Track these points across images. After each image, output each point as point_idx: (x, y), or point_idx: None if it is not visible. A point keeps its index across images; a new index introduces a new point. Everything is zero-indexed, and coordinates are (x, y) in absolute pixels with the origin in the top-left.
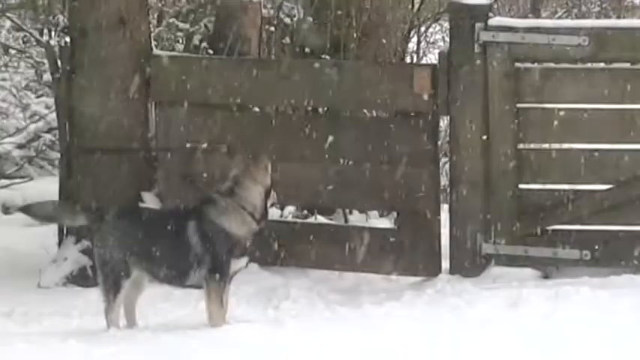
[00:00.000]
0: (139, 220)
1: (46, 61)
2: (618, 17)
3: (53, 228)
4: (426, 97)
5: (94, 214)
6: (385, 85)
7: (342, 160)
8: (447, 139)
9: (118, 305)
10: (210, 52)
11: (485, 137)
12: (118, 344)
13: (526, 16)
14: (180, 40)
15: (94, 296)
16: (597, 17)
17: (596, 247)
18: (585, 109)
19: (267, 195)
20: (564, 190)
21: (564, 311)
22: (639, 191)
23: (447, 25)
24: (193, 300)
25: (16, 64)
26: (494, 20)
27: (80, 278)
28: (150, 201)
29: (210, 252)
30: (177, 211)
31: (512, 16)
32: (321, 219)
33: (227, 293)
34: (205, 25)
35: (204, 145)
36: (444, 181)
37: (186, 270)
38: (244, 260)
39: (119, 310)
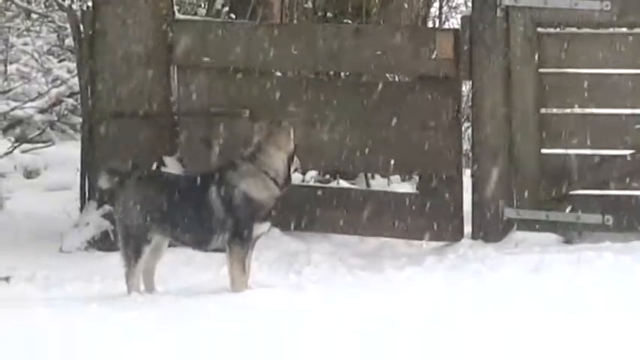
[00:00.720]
0: (161, 185)
1: (68, 25)
2: None
3: (75, 192)
4: (448, 61)
5: (116, 178)
6: (407, 49)
7: (363, 125)
8: (469, 103)
9: (138, 270)
10: (232, 16)
11: (507, 102)
12: (139, 308)
13: None
14: (203, 5)
15: (115, 260)
16: None
17: (619, 212)
18: (608, 74)
19: (289, 160)
20: (587, 155)
21: (586, 276)
22: None
23: None
24: (215, 264)
25: (38, 28)
26: None
27: (102, 243)
28: (172, 165)
29: (232, 216)
30: (199, 176)
31: None
32: (343, 183)
33: (249, 258)
34: None
35: (227, 110)
36: (466, 145)
37: (208, 234)
38: (267, 225)
39: (140, 275)
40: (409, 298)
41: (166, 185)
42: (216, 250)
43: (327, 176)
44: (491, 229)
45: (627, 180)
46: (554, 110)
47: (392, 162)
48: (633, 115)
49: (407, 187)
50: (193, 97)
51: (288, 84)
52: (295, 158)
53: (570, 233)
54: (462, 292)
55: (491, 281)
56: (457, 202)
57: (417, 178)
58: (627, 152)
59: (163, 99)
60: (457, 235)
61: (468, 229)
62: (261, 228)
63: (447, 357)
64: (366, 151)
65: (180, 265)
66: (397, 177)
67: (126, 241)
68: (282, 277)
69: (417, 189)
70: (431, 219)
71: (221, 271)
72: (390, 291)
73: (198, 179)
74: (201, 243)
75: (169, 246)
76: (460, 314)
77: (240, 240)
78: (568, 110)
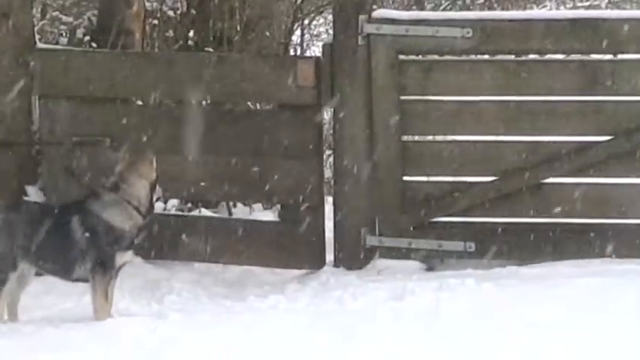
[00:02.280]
0: (25, 214)
1: None
2: (503, 9)
3: None
4: (309, 89)
5: None
6: (268, 77)
7: (225, 152)
8: (331, 131)
9: (3, 299)
10: (94, 45)
11: (368, 130)
12: (3, 337)
13: (410, 9)
14: (64, 34)
15: None
16: (482, 9)
17: (481, 239)
18: (469, 101)
19: (152, 189)
20: (448, 182)
21: (449, 303)
22: (523, 183)
23: (330, 17)
24: (77, 293)
25: None
26: (378, 12)
27: None
28: (34, 195)
29: (95, 246)
30: (62, 205)
31: (396, 8)
32: (205, 212)
33: (113, 287)
34: (89, 19)
35: (88, 139)
36: (328, 173)
37: (71, 263)
38: (130, 254)
39: (4, 304)
40: (271, 327)
41: (31, 214)
42: (78, 279)
43: (189, 205)
44: (353, 256)
45: (488, 207)
46: (416, 137)
47: (252, 190)
48: (495, 141)
49: (269, 215)
50: (56, 126)
51: (149, 112)
52: (157, 187)
53: (433, 261)
54: (324, 320)
55: (354, 308)
56: (319, 230)
57: (278, 206)
58: (489, 179)
59: (25, 128)
60: (319, 263)
61: (330, 257)
62: (124, 257)
63: None
64: (227, 179)
65: (43, 294)
66: (260, 205)
67: None
68: (144, 305)
69: (279, 217)
70: (293, 247)
71: (84, 299)
72: (252, 320)
73: (62, 208)
74: (64, 272)
75: (35, 275)
76: (321, 343)
77: (103, 269)
78: (430, 137)
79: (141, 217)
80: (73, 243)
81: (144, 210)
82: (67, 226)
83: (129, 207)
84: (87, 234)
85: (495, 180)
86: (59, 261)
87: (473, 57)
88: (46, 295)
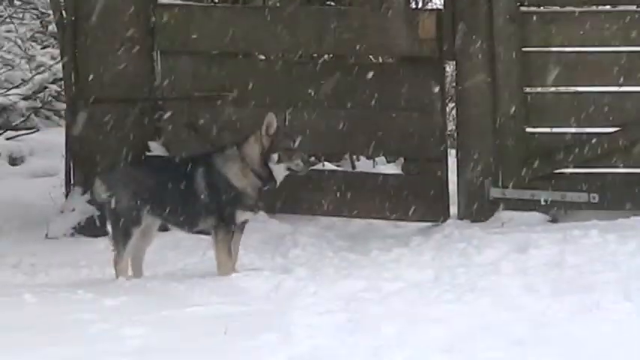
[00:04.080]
0: (149, 168)
1: (51, 11)
2: None
3: (60, 178)
4: (431, 41)
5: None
6: (390, 30)
7: (348, 106)
8: (454, 84)
9: (127, 253)
10: (215, 0)
11: (491, 81)
12: (127, 293)
13: None
14: None
15: (101, 246)
16: None
17: (605, 190)
18: (590, 52)
19: (266, 154)
20: (571, 134)
21: (573, 255)
22: None
23: None
24: (201, 248)
25: (21, 15)
26: None
27: (88, 228)
28: (157, 150)
29: (215, 201)
30: (185, 159)
31: None
32: (328, 166)
33: (237, 242)
34: None
35: (211, 94)
36: (451, 126)
37: (195, 216)
38: (251, 213)
39: (128, 259)
40: (395, 279)
41: (155, 168)
42: (201, 232)
43: (313, 158)
44: (477, 208)
45: (612, 158)
46: (539, 89)
47: (376, 144)
48: (617, 92)
49: (392, 169)
50: (176, 81)
51: (271, 67)
52: (276, 155)
53: (556, 212)
54: (448, 272)
55: (478, 261)
56: (442, 183)
57: (402, 159)
58: (612, 130)
59: (147, 84)
60: (443, 216)
61: (453, 209)
62: (245, 215)
63: (437, 337)
64: (351, 133)
65: (167, 250)
66: (382, 159)
67: (115, 224)
68: (268, 259)
69: (403, 170)
70: (416, 200)
71: (207, 254)
72: (377, 273)
73: (185, 162)
74: (187, 224)
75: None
76: (448, 293)
77: (225, 225)
78: (552, 89)
79: (258, 179)
80: (196, 196)
81: (261, 173)
82: (191, 180)
83: (246, 167)
84: (209, 188)
85: (618, 131)
86: (183, 213)
87: (594, 8)
88: (170, 250)
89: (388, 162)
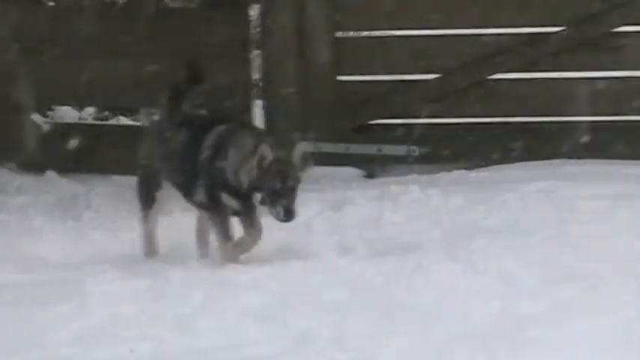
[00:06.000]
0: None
1: None
2: None
3: None
4: None
5: None
6: None
7: (143, 56)
8: (259, 29)
9: (152, 215)
10: None
11: (298, 25)
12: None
13: None
14: None
15: None
16: None
17: (424, 143)
18: None
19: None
20: (387, 82)
21: (392, 212)
22: (466, 81)
23: None
24: None
25: None
26: None
27: None
28: None
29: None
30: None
31: None
32: (124, 120)
33: None
34: None
35: None
36: (256, 74)
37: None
38: None
39: (155, 222)
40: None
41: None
42: None
43: (107, 113)
44: None
45: (431, 107)
46: (351, 34)
47: None
48: (436, 36)
49: None
50: None
51: (59, 13)
52: None
53: (373, 167)
54: (265, 232)
55: None
56: None
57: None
58: (433, 76)
59: None
60: None
61: None
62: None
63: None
64: (147, 84)
65: None
66: None
67: (140, 183)
68: (58, 223)
69: None
70: None
71: None
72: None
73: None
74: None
75: None
76: (263, 253)
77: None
78: (366, 33)
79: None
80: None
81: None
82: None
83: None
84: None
85: (438, 78)
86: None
87: None
88: None
89: None
